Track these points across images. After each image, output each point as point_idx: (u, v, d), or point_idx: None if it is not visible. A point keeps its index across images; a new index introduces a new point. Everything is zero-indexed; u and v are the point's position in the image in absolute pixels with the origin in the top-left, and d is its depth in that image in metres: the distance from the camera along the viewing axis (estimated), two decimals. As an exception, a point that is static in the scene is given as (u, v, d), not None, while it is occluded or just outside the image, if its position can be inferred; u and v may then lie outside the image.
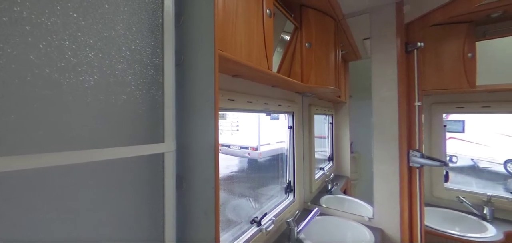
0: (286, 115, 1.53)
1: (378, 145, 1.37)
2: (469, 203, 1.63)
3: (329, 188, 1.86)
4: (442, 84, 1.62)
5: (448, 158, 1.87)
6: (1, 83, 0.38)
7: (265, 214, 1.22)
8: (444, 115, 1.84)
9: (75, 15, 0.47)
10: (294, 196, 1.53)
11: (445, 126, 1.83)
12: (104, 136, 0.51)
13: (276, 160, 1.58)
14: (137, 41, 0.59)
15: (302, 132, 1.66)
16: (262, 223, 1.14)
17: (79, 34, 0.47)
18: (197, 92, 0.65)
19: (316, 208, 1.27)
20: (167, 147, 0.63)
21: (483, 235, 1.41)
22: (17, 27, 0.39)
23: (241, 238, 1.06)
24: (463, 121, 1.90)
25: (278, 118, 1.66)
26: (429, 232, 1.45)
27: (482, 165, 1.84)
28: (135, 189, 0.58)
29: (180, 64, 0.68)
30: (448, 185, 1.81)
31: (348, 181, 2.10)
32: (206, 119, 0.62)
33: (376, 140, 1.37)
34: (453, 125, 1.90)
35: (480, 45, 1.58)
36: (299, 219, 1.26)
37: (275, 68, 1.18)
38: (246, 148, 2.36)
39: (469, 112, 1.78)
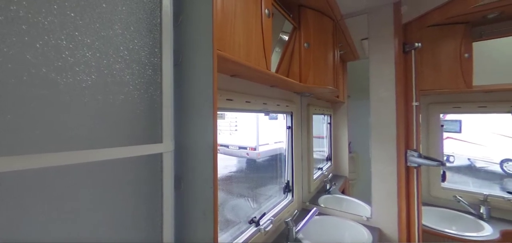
0: (285, 115, 1.53)
1: (376, 145, 1.37)
2: (466, 203, 1.64)
3: (328, 188, 1.87)
4: (439, 84, 1.63)
5: (445, 158, 1.88)
6: (-3, 82, 0.37)
7: (264, 214, 1.22)
8: (441, 115, 1.86)
9: (72, 14, 0.46)
10: (292, 196, 1.53)
11: (442, 126, 1.85)
12: (102, 136, 0.51)
13: (274, 160, 1.58)
14: (135, 41, 0.58)
15: (300, 132, 1.66)
16: (261, 223, 1.14)
17: (76, 33, 0.47)
18: (195, 92, 0.64)
19: (315, 208, 1.27)
20: (165, 147, 0.63)
21: (479, 234, 1.42)
22: (14, 26, 0.39)
23: (239, 238, 1.06)
24: (460, 121, 1.91)
25: (276, 118, 1.67)
26: (426, 231, 1.46)
27: (478, 164, 1.86)
28: (133, 189, 0.58)
29: (179, 64, 0.68)
30: (445, 184, 1.83)
31: (346, 181, 2.11)
32: (204, 119, 0.62)
33: (374, 140, 1.38)
34: (450, 125, 1.92)
35: (477, 46, 1.59)
36: (298, 219, 1.26)
37: (273, 68, 1.19)
38: (245, 148, 2.36)
39: (466, 112, 1.79)
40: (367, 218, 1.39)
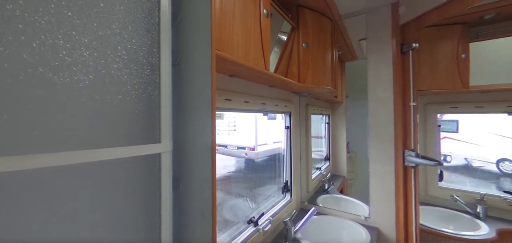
0: (283, 115, 1.53)
1: (374, 145, 1.38)
2: (462, 202, 1.65)
3: (326, 187, 1.87)
4: (437, 85, 1.64)
5: (442, 158, 1.90)
6: (-7, 82, 0.37)
7: (262, 214, 1.22)
8: (438, 115, 1.87)
9: (69, 13, 0.46)
10: (291, 196, 1.53)
11: (439, 126, 1.86)
12: (99, 136, 0.51)
13: (273, 160, 1.58)
14: (133, 40, 0.58)
15: (299, 132, 1.66)
16: (259, 223, 1.14)
17: (73, 33, 0.47)
18: (194, 92, 0.64)
19: (313, 208, 1.27)
20: (164, 147, 0.63)
21: (476, 233, 1.43)
22: (10, 26, 0.39)
23: (238, 238, 1.06)
24: (457, 121, 1.93)
25: (275, 118, 1.67)
26: (424, 231, 1.47)
27: (475, 164, 1.88)
28: (131, 189, 0.58)
29: (177, 64, 0.68)
30: (442, 184, 1.84)
31: (344, 181, 2.12)
32: (203, 119, 0.61)
33: (372, 140, 1.39)
34: (447, 125, 1.93)
35: (474, 46, 1.61)
36: (296, 218, 1.27)
37: (272, 68, 1.19)
38: (243, 148, 2.36)
39: (462, 112, 1.81)
40: (365, 217, 1.39)
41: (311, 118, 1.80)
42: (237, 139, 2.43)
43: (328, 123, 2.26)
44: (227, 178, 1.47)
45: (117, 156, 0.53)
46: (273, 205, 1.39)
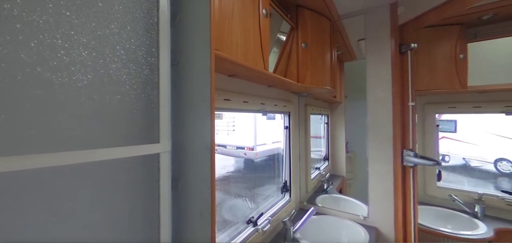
0: (282, 115, 1.53)
1: (373, 145, 1.38)
2: (461, 201, 1.66)
3: (325, 187, 1.87)
4: (435, 85, 1.65)
5: (440, 157, 1.90)
6: (-10, 82, 0.37)
7: (261, 214, 1.22)
8: (437, 115, 1.88)
9: (68, 13, 0.46)
10: (290, 196, 1.53)
11: (437, 126, 1.87)
12: (98, 137, 0.51)
13: (272, 160, 1.58)
14: (132, 40, 0.58)
15: (298, 132, 1.66)
16: (258, 223, 1.14)
17: (72, 32, 0.46)
18: (193, 91, 0.64)
19: (312, 208, 1.27)
20: (163, 147, 0.62)
21: (474, 232, 1.44)
22: (7, 25, 0.39)
23: (237, 238, 1.06)
24: (455, 121, 1.94)
25: (274, 118, 1.67)
26: (422, 230, 1.47)
27: (473, 164, 1.89)
28: (130, 190, 0.58)
29: (176, 64, 0.68)
30: (440, 183, 1.85)
31: (343, 181, 2.12)
32: (202, 119, 0.61)
33: (371, 140, 1.39)
34: (445, 125, 1.94)
35: (472, 47, 1.61)
36: (295, 218, 1.27)
37: (271, 68, 1.19)
38: (243, 148, 2.36)
39: (460, 112, 1.82)
40: (364, 217, 1.40)
41: (310, 118, 1.80)
42: (236, 139, 2.44)
43: (327, 123, 2.26)
44: (226, 178, 1.47)
45: (116, 156, 0.53)
46: (272, 205, 1.39)
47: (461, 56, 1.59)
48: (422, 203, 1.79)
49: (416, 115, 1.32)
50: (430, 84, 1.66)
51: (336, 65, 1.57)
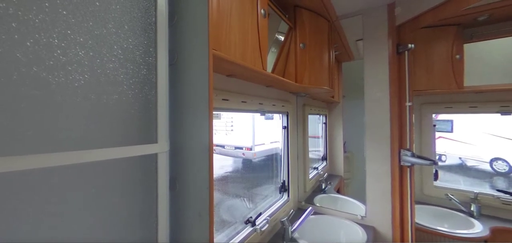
0: (281, 115, 1.53)
1: (370, 145, 1.39)
2: (457, 201, 1.68)
3: (323, 187, 1.88)
4: (432, 85, 1.66)
5: (437, 157, 1.92)
6: (-15, 81, 0.36)
7: (260, 214, 1.22)
8: (433, 115, 1.89)
9: (64, 12, 0.45)
10: (288, 196, 1.53)
11: (434, 125, 1.88)
12: (95, 137, 0.50)
13: (270, 160, 1.59)
14: (130, 40, 0.58)
15: (296, 132, 1.67)
16: (257, 223, 1.14)
17: (68, 32, 0.46)
18: (191, 91, 0.64)
19: (310, 207, 1.28)
20: (160, 148, 0.62)
21: (470, 231, 1.45)
22: (3, 24, 0.38)
23: (235, 238, 1.06)
24: (451, 121, 1.95)
25: (272, 118, 1.67)
26: (419, 229, 1.49)
27: (469, 163, 1.91)
28: (127, 190, 0.57)
29: (174, 64, 0.67)
30: (437, 183, 1.86)
31: (341, 180, 2.13)
32: (200, 119, 0.61)
33: (368, 140, 1.40)
34: (442, 124, 1.96)
35: (468, 47, 1.63)
36: (293, 218, 1.27)
37: (269, 68, 1.19)
38: (241, 148, 2.36)
39: (457, 112, 1.83)
40: (362, 217, 1.40)
41: (308, 118, 1.81)
42: (234, 139, 2.43)
43: (325, 123, 2.27)
44: (225, 178, 1.46)
45: (113, 157, 0.52)
46: (270, 205, 1.39)
47: (458, 56, 1.61)
48: (419, 203, 1.81)
49: (413, 115, 1.33)
50: (427, 84, 1.67)
51: (334, 65, 1.58)
